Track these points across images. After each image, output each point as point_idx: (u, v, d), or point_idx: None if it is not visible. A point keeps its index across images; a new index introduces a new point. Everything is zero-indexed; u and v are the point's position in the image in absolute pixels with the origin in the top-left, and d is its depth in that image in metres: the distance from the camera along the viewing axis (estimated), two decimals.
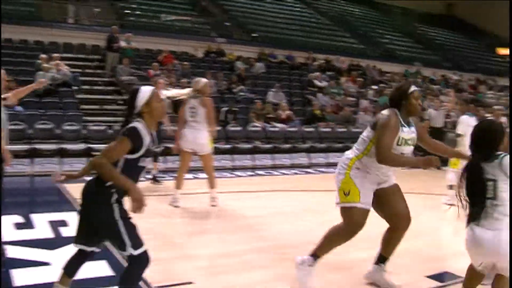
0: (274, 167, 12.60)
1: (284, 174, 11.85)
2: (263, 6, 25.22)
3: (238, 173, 11.56)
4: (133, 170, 3.37)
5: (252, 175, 11.46)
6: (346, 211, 4.28)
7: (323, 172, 12.29)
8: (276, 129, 14.16)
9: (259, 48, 20.53)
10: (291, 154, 13.28)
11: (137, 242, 3.31)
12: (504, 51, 33.10)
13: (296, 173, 12.03)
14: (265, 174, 11.76)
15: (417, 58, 26.45)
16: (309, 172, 12.30)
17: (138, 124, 3.37)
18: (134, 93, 3.48)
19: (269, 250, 5.48)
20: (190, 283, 4.38)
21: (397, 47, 27.53)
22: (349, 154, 4.40)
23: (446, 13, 37.36)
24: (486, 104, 23.22)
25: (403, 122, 4.22)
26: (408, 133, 4.26)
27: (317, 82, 18.18)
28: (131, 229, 3.32)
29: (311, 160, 13.39)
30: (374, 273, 4.55)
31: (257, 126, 13.89)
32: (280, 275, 4.70)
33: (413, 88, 4.32)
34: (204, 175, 8.11)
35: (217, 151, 10.44)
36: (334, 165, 12.93)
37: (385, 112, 4.27)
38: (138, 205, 3.19)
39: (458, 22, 35.82)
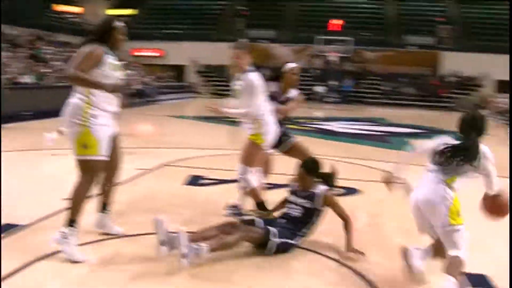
0: None
1: None
2: None
3: None
4: None
5: None
6: (85, 163, 4.32)
7: None
8: None
9: None
10: None
11: None
12: (60, 8, 33.86)
13: None
14: None
15: None
16: None
17: None
18: None
19: None
20: None
21: None
22: (77, 101, 4.27)
23: None
24: (44, 60, 23.68)
25: (109, 52, 4.38)
26: (116, 60, 4.45)
27: None
28: None
29: None
30: (101, 220, 4.76)
31: None
32: None
33: (118, 23, 4.46)
34: None
35: None
36: None
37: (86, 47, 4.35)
38: None
39: None
